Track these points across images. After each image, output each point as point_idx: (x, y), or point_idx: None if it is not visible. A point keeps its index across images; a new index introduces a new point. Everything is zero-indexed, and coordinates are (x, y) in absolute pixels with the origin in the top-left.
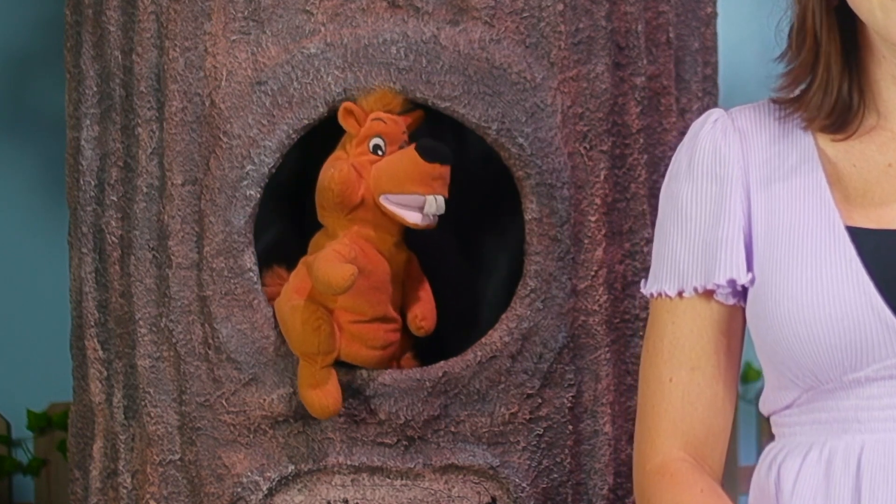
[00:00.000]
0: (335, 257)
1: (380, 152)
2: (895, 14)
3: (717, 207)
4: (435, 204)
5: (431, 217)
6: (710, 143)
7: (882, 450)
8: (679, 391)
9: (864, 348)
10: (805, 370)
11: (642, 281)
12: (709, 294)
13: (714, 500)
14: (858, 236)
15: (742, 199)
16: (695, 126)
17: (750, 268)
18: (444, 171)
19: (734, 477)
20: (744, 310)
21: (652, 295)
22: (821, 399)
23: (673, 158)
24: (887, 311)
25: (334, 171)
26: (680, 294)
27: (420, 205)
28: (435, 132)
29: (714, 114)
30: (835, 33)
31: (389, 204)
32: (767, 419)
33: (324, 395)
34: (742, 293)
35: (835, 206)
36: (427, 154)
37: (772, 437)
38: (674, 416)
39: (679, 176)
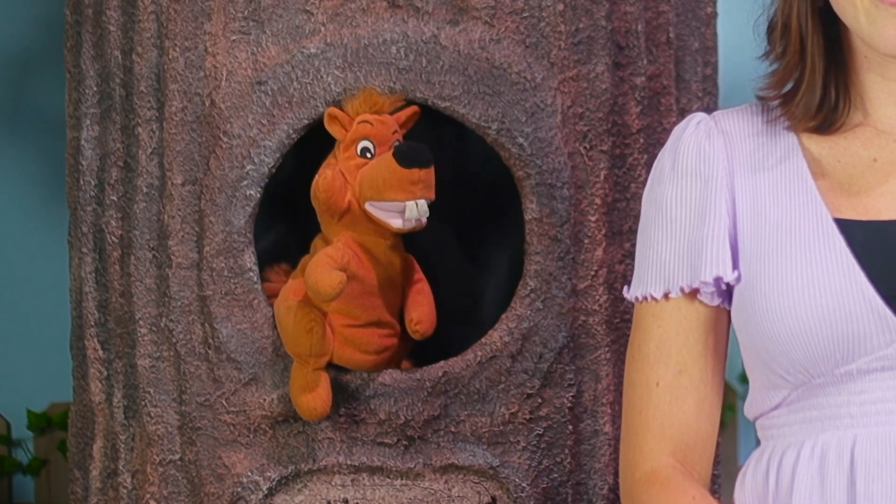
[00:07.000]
0: (327, 263)
1: (368, 155)
2: (879, 21)
3: (702, 207)
4: (416, 209)
5: (414, 221)
6: (693, 144)
7: (875, 444)
8: (666, 395)
9: (856, 340)
10: (796, 365)
11: (625, 287)
12: (694, 295)
13: None
14: (847, 228)
15: (727, 198)
16: (677, 130)
17: (736, 266)
18: (424, 174)
19: (734, 478)
20: (728, 312)
21: (637, 299)
22: (811, 396)
23: (654, 163)
24: (879, 301)
25: (319, 179)
26: (666, 296)
27: (400, 210)
28: (436, 132)
29: (696, 117)
30: (819, 34)
31: (374, 210)
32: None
33: (313, 397)
34: (727, 294)
35: (821, 199)
36: (403, 159)
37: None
38: (662, 422)
39: (662, 178)
